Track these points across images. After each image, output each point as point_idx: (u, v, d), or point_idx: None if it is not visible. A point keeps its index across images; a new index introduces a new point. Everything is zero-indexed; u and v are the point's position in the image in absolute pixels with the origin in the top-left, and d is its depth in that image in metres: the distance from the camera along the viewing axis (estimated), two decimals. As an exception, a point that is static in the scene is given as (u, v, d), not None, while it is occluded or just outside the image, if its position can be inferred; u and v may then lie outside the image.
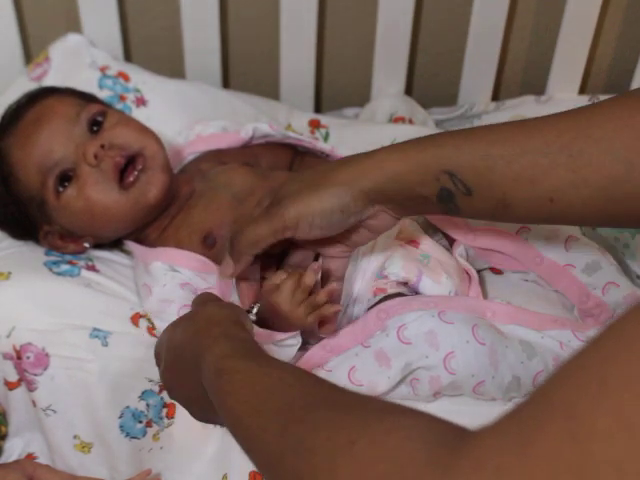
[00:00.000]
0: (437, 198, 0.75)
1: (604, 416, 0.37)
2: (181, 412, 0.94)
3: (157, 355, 0.81)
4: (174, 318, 0.94)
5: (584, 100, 1.36)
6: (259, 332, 0.83)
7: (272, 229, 0.79)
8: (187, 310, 0.94)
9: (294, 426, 0.54)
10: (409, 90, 1.41)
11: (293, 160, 1.12)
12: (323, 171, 0.80)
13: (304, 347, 0.93)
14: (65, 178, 0.99)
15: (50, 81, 1.21)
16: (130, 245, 1.04)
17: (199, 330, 0.71)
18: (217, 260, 0.97)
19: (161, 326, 0.97)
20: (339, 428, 0.50)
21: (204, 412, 0.75)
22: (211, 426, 0.93)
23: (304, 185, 0.79)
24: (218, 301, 0.80)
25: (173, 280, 0.96)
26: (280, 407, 0.57)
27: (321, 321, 0.87)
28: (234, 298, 0.95)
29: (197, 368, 0.68)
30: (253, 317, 0.85)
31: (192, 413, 0.79)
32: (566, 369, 0.41)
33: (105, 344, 0.97)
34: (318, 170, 0.81)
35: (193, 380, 0.70)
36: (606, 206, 0.70)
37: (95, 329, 0.98)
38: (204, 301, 0.80)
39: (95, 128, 1.01)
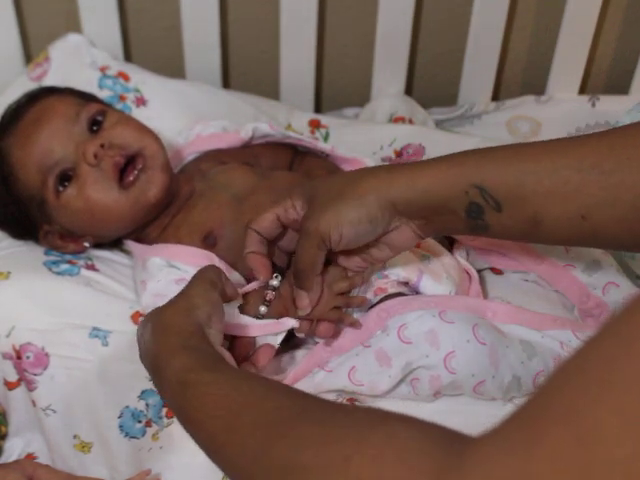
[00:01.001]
0: (466, 213, 0.74)
1: (608, 417, 0.37)
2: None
3: (138, 339, 0.79)
4: None
5: (584, 100, 1.37)
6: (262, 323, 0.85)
7: (315, 245, 0.78)
8: None
9: (277, 443, 0.52)
10: (409, 90, 1.41)
11: (293, 160, 1.12)
12: (350, 180, 0.79)
13: (304, 347, 0.93)
14: (65, 178, 0.99)
15: (50, 81, 1.21)
16: (129, 244, 1.04)
17: (157, 339, 0.70)
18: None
19: None
20: (329, 443, 0.49)
21: None
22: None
23: (332, 195, 0.78)
24: (207, 285, 0.78)
25: (168, 276, 0.96)
26: (256, 422, 0.55)
27: (320, 324, 0.87)
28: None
29: (157, 377, 0.67)
30: (279, 281, 0.87)
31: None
32: (566, 371, 0.41)
33: (105, 344, 0.97)
34: (345, 178, 0.80)
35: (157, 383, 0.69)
36: (639, 225, 0.69)
37: (95, 328, 0.98)
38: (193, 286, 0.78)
39: (95, 128, 1.01)
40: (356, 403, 0.88)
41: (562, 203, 0.70)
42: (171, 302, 0.77)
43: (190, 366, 0.65)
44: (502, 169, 0.72)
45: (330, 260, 0.84)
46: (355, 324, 0.88)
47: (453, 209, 0.74)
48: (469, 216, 0.74)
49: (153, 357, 0.69)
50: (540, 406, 0.41)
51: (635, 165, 0.68)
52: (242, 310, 0.88)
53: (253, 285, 0.89)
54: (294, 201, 0.82)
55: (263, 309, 0.88)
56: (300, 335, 0.88)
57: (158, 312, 0.75)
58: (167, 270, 0.96)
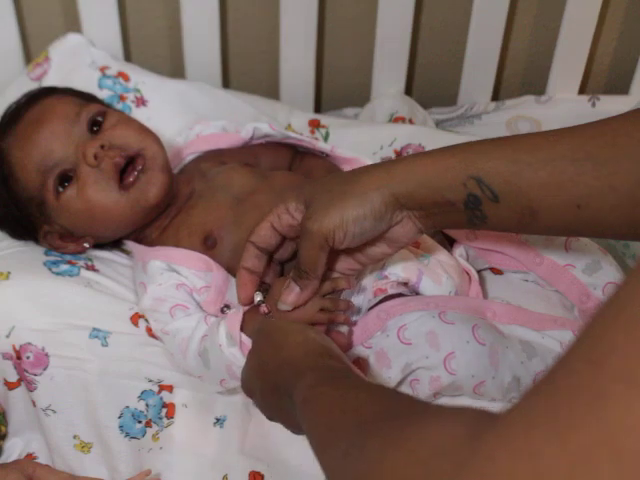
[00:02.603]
0: (464, 204, 0.75)
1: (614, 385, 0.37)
2: (181, 412, 0.95)
3: (247, 386, 0.78)
4: (166, 317, 0.94)
5: (584, 100, 1.37)
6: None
7: (318, 246, 0.78)
8: (179, 309, 0.94)
9: (370, 440, 0.52)
10: (409, 90, 1.41)
11: (293, 160, 1.12)
12: (350, 178, 0.79)
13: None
14: (65, 178, 0.99)
15: (50, 81, 1.21)
16: (130, 245, 1.04)
17: (283, 364, 0.70)
18: (217, 260, 0.97)
19: (155, 326, 0.97)
20: (397, 438, 0.49)
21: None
22: (211, 426, 0.94)
23: (334, 194, 0.78)
24: (297, 329, 0.77)
25: (169, 280, 0.96)
26: (350, 425, 0.56)
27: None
28: (230, 295, 0.95)
29: (289, 400, 0.67)
30: (262, 296, 0.86)
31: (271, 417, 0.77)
32: (582, 345, 0.40)
33: (105, 344, 0.97)
34: (344, 177, 0.80)
35: (288, 409, 0.69)
36: (634, 212, 0.69)
37: (95, 329, 0.98)
38: (276, 330, 0.77)
39: (95, 128, 1.01)
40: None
41: (557, 193, 0.71)
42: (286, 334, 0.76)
43: (312, 383, 0.65)
44: (498, 160, 0.73)
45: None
46: (348, 321, 0.88)
47: (452, 200, 0.75)
48: (467, 207, 0.75)
49: (284, 379, 0.69)
50: (561, 379, 0.40)
51: (629, 153, 0.68)
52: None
53: (240, 311, 0.89)
54: (287, 204, 0.82)
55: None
56: None
57: (278, 344, 0.74)
58: (168, 274, 0.96)
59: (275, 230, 0.84)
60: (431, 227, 0.80)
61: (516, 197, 0.73)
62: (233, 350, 0.87)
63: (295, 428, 0.72)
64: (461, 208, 0.75)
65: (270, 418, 0.77)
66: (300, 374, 0.67)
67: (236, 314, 0.88)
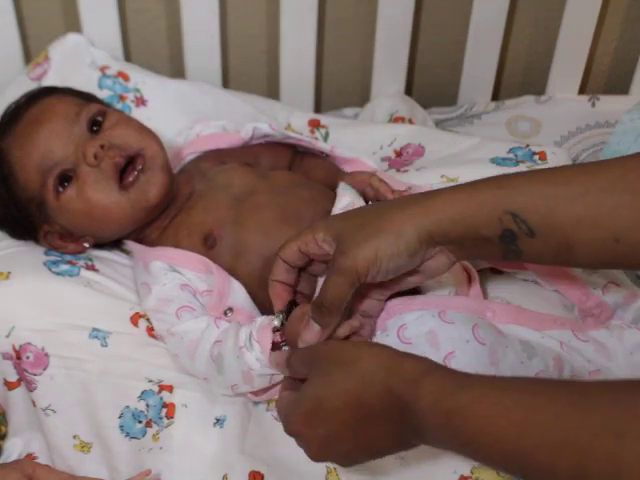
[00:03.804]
0: (499, 239, 0.74)
1: None
2: (181, 412, 0.95)
3: (309, 420, 0.73)
4: (172, 318, 0.94)
5: (584, 100, 1.37)
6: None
7: (349, 283, 0.76)
8: (186, 311, 0.94)
9: (591, 458, 0.52)
10: (409, 90, 1.41)
11: (293, 160, 1.12)
12: (384, 213, 0.77)
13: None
14: (65, 178, 0.99)
15: (50, 81, 1.21)
16: (130, 244, 1.04)
17: (388, 381, 0.68)
18: (217, 261, 0.97)
19: (158, 327, 0.97)
20: (590, 428, 0.50)
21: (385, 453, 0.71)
22: (211, 426, 0.93)
23: (368, 230, 0.76)
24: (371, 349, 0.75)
25: (173, 281, 0.96)
26: (547, 438, 0.55)
27: None
28: (232, 298, 0.94)
29: (401, 414, 0.66)
30: (280, 321, 0.84)
31: (358, 460, 0.74)
32: None
33: (104, 344, 0.97)
34: (377, 212, 0.78)
35: (388, 426, 0.67)
36: None
37: (94, 329, 0.98)
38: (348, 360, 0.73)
39: (95, 128, 1.01)
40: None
41: (594, 227, 0.70)
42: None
43: (441, 390, 0.63)
44: (534, 194, 0.72)
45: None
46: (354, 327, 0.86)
47: (487, 236, 0.74)
48: (502, 241, 0.74)
49: (395, 399, 0.67)
50: None
51: None
52: None
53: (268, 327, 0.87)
54: (315, 234, 0.79)
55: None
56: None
57: (359, 367, 0.71)
58: (171, 275, 0.96)
59: (302, 253, 0.82)
60: (464, 258, 0.80)
61: (552, 232, 0.71)
62: (254, 355, 0.86)
63: (403, 443, 0.69)
64: (496, 242, 0.74)
65: (349, 457, 0.73)
66: (414, 382, 0.65)
67: (266, 329, 0.86)
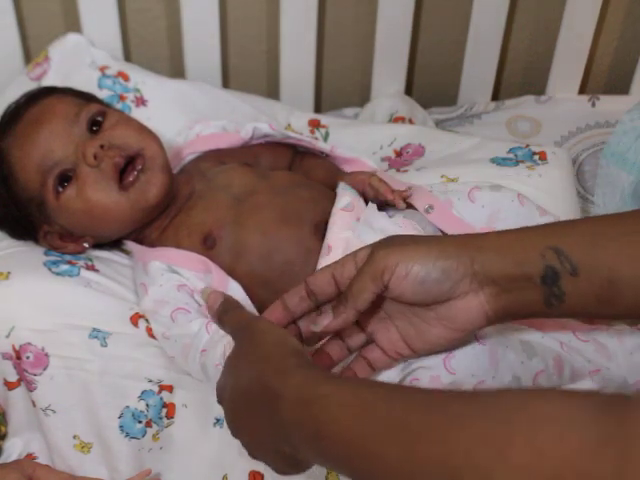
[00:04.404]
0: (541, 279, 0.72)
1: None
2: (181, 412, 0.95)
3: (220, 392, 0.74)
4: (167, 320, 0.94)
5: (584, 100, 1.37)
6: None
7: (373, 277, 0.73)
8: (181, 313, 0.94)
9: (422, 449, 0.51)
10: (409, 90, 1.41)
11: (293, 160, 1.12)
12: (431, 237, 0.78)
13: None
14: (65, 178, 0.99)
15: (50, 81, 1.21)
16: (130, 245, 1.04)
17: (261, 367, 0.68)
18: (217, 261, 0.97)
19: (155, 328, 0.97)
20: (476, 439, 0.48)
21: (273, 452, 0.69)
22: (211, 426, 0.93)
23: (411, 239, 0.76)
24: (257, 319, 0.76)
25: (170, 282, 0.96)
26: (391, 427, 0.54)
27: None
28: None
29: (270, 405, 0.65)
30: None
31: (255, 454, 0.72)
32: None
33: (104, 344, 0.97)
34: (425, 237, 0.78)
35: (264, 418, 0.66)
36: None
37: (94, 329, 0.98)
38: (245, 324, 0.75)
39: (95, 128, 1.01)
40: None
41: (637, 262, 0.69)
42: (255, 341, 0.73)
43: (305, 381, 0.63)
44: (577, 234, 0.72)
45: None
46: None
47: (528, 274, 0.72)
48: (544, 283, 0.72)
49: (262, 386, 0.66)
50: None
51: None
52: None
53: None
54: (356, 254, 0.76)
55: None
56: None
57: (254, 342, 0.72)
58: (168, 275, 0.96)
59: (334, 279, 0.77)
60: (501, 311, 0.74)
61: (596, 268, 0.71)
62: None
63: (264, 448, 0.68)
64: (537, 283, 0.72)
65: (236, 433, 0.72)
66: (286, 372, 0.65)
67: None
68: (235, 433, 0.72)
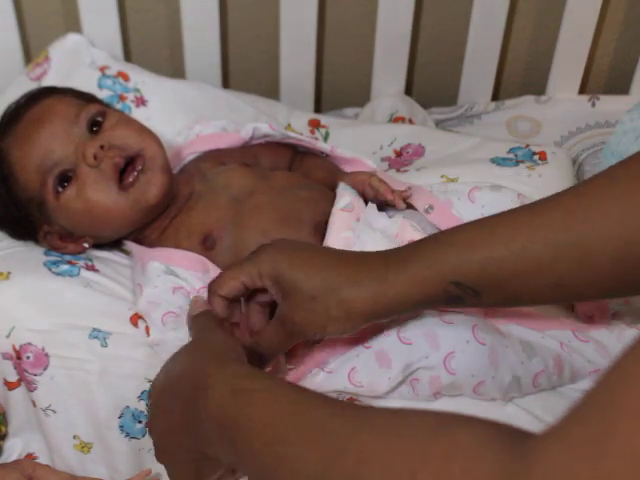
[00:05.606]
0: (445, 303, 0.77)
1: None
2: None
3: (153, 383, 0.77)
4: (158, 324, 0.94)
5: (584, 100, 1.37)
6: None
7: (286, 334, 0.79)
8: (171, 317, 0.94)
9: (339, 458, 0.51)
10: (409, 90, 1.41)
11: (293, 160, 1.12)
12: (334, 269, 0.78)
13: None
14: (64, 178, 0.99)
15: (50, 81, 1.21)
16: (129, 245, 1.04)
17: (203, 353, 0.70)
18: (216, 261, 0.97)
19: (150, 330, 0.97)
20: (393, 456, 0.48)
21: (184, 452, 0.69)
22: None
23: (299, 247, 0.80)
24: (218, 330, 0.79)
25: (165, 283, 0.95)
26: (312, 432, 0.55)
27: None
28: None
29: (198, 392, 0.65)
30: None
31: (161, 455, 0.73)
32: (627, 364, 0.40)
33: (104, 345, 0.97)
34: (327, 263, 0.79)
35: (188, 404, 0.67)
36: (612, 285, 0.71)
37: (94, 329, 0.98)
38: (203, 327, 0.79)
39: (95, 128, 1.01)
40: (356, 402, 0.88)
41: (536, 278, 0.73)
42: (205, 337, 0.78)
43: (241, 374, 0.65)
44: (475, 262, 0.74)
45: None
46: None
47: (433, 304, 0.78)
48: (448, 304, 0.78)
49: (194, 373, 0.68)
50: (606, 401, 0.40)
51: (600, 224, 0.69)
52: None
53: None
54: (261, 272, 0.80)
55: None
56: None
57: (199, 344, 0.76)
58: (165, 277, 0.96)
59: (245, 287, 0.82)
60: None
61: (497, 289, 0.75)
62: None
63: (187, 423, 0.68)
64: (442, 304, 0.78)
65: (153, 416, 0.73)
66: (222, 363, 0.66)
67: None
68: (151, 423, 0.74)
